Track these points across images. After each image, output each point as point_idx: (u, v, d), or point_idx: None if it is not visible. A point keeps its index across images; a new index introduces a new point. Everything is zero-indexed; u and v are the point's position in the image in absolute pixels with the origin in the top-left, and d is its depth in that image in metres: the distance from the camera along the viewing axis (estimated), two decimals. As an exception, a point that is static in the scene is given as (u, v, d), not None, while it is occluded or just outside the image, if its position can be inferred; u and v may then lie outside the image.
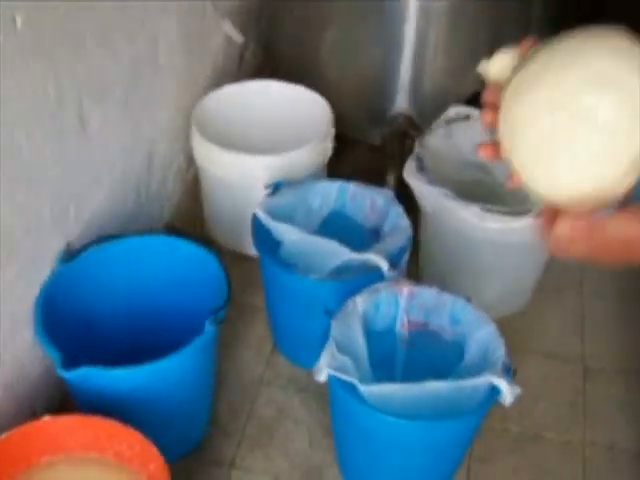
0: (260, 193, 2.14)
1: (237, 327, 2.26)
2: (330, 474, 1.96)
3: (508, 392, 1.65)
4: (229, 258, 2.37)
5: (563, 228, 1.01)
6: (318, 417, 2.07)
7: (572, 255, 1.05)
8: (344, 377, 1.65)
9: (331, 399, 1.84)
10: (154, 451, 1.58)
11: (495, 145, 1.08)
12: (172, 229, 2.01)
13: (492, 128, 1.08)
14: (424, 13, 2.46)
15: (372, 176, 2.37)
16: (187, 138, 2.45)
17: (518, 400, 1.66)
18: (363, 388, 1.65)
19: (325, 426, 2.03)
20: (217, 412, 2.06)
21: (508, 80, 1.05)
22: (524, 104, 1.01)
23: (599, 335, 2.32)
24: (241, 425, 2.05)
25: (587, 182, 0.99)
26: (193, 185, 2.58)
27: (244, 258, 2.29)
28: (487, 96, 1.11)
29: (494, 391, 1.66)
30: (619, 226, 1.01)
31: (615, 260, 1.07)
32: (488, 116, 1.09)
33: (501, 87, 1.06)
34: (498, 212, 2.06)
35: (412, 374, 1.78)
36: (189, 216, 2.55)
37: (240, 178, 2.29)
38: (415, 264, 2.35)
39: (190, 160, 2.52)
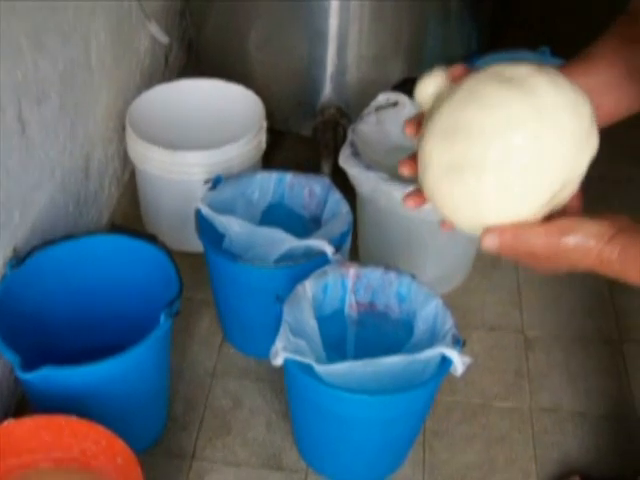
0: (198, 189, 2.17)
1: (185, 322, 2.29)
2: (290, 458, 2.00)
3: (459, 362, 1.70)
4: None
5: (488, 243, 1.03)
6: (273, 404, 2.11)
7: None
8: (300, 359, 1.69)
9: (287, 383, 1.88)
10: (120, 444, 1.60)
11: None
12: (116, 228, 2.03)
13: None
14: (346, 5, 2.52)
15: (307, 166, 2.42)
16: (121, 140, 2.48)
17: (465, 372, 1.72)
18: (319, 368, 1.69)
19: (281, 412, 2.08)
20: (174, 406, 2.09)
21: (428, 115, 1.07)
22: (438, 150, 1.03)
23: (536, 305, 2.41)
24: (198, 417, 2.08)
25: (503, 218, 1.02)
26: (130, 187, 2.60)
27: (185, 255, 2.31)
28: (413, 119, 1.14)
29: (445, 362, 1.72)
30: (540, 237, 1.02)
31: (542, 268, 1.09)
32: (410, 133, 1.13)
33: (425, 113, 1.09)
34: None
35: (363, 353, 1.82)
36: (128, 217, 2.57)
37: (178, 175, 2.31)
38: (355, 248, 2.40)
39: (125, 162, 2.54)
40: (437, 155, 1.02)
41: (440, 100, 1.05)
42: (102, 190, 2.46)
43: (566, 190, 1.03)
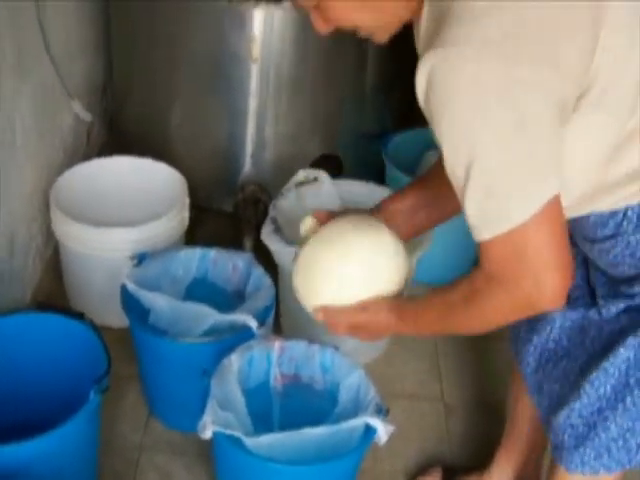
0: (123, 265, 2.21)
1: (112, 396, 2.27)
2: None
3: (382, 430, 1.76)
4: (96, 331, 2.42)
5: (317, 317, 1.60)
6: (201, 477, 2.13)
7: None
8: (229, 432, 1.73)
9: (215, 456, 1.91)
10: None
11: None
12: (42, 306, 2.05)
13: None
14: (265, 85, 2.59)
15: (229, 241, 2.48)
16: (44, 217, 2.50)
17: (389, 441, 1.77)
18: (248, 440, 1.72)
19: (209, 486, 2.10)
20: (102, 480, 2.10)
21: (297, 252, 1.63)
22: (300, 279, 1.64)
23: (454, 373, 2.48)
24: (127, 493, 2.09)
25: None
26: (52, 262, 2.62)
27: (111, 330, 2.32)
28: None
29: (369, 431, 1.77)
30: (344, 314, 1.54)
31: (363, 336, 1.58)
32: None
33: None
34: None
35: (289, 424, 1.85)
36: (52, 293, 2.59)
37: (102, 252, 2.34)
38: (277, 322, 2.46)
39: (48, 238, 2.56)
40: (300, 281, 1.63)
41: (307, 239, 1.60)
42: (25, 268, 2.48)
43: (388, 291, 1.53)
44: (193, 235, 2.59)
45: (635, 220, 1.38)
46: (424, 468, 2.18)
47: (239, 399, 1.86)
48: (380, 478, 2.17)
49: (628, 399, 1.48)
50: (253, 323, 2.03)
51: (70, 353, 1.99)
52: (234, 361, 1.89)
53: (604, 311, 1.52)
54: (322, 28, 1.35)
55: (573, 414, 1.54)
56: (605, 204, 1.38)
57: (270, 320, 2.14)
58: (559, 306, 1.28)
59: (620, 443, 1.51)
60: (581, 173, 1.33)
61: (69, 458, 1.83)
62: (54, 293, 2.59)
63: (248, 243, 2.60)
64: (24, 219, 2.41)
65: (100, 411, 1.91)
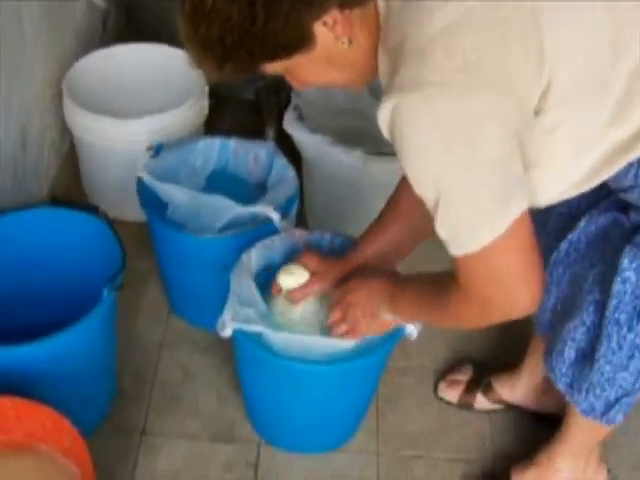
0: (139, 157, 2.11)
1: (130, 293, 2.23)
2: (242, 430, 1.97)
3: (412, 327, 1.68)
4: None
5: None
6: (224, 375, 2.08)
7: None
8: (250, 328, 1.65)
9: (237, 353, 1.84)
10: (67, 425, 1.56)
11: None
12: (57, 200, 1.97)
13: None
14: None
15: (251, 131, 2.38)
16: (58, 109, 2.40)
17: (418, 337, 1.70)
18: (269, 337, 1.65)
19: (232, 384, 2.04)
20: (122, 380, 2.05)
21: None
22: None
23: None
24: (147, 390, 2.04)
25: None
26: (69, 157, 2.53)
27: (129, 224, 2.25)
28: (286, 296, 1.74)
29: (400, 329, 1.69)
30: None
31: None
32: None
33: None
34: (380, 154, 2.08)
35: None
36: (69, 188, 2.50)
37: (118, 143, 2.25)
38: (302, 214, 2.38)
39: (64, 132, 2.46)
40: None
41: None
42: (41, 161, 2.39)
43: None
44: (213, 125, 2.48)
45: None
46: (453, 365, 2.12)
47: (257, 295, 1.78)
48: (408, 375, 2.11)
49: None
50: (275, 215, 1.94)
51: (85, 249, 1.92)
52: (254, 256, 1.81)
53: (633, 215, 1.46)
54: (299, 87, 1.41)
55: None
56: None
57: (293, 212, 2.05)
58: (531, 313, 1.35)
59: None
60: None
61: (84, 359, 1.77)
62: (72, 188, 2.51)
63: (270, 132, 2.50)
64: (37, 111, 2.31)
65: (117, 308, 1.84)
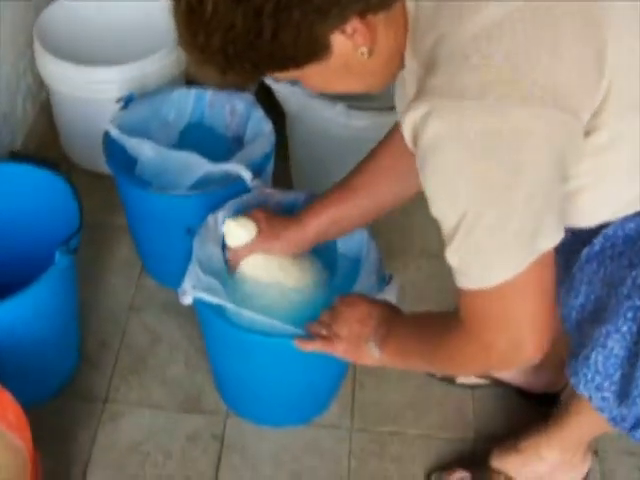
0: (110, 109, 1.98)
1: (102, 250, 2.14)
2: (209, 399, 1.87)
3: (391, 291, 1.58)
4: (88, 179, 2.24)
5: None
6: (194, 340, 1.97)
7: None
8: (211, 299, 1.54)
9: (200, 322, 1.74)
10: (9, 399, 1.46)
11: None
12: (17, 155, 1.85)
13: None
14: None
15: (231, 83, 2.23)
16: (32, 58, 2.27)
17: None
18: (231, 309, 1.54)
19: (202, 349, 1.93)
20: (86, 344, 1.95)
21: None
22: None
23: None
24: (113, 356, 1.94)
25: None
26: (48, 105, 2.40)
27: (104, 177, 2.13)
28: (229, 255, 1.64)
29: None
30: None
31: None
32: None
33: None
34: (364, 109, 1.96)
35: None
36: (45, 137, 2.39)
37: (88, 93, 2.13)
38: (287, 171, 2.26)
39: (42, 81, 2.33)
40: None
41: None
42: (13, 110, 2.27)
43: None
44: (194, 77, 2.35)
45: None
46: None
47: (223, 262, 1.66)
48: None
49: None
50: (246, 174, 1.82)
51: (45, 208, 1.81)
52: (220, 219, 1.69)
53: None
54: (313, 92, 1.32)
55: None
56: None
57: (269, 170, 1.93)
58: (534, 363, 1.23)
59: None
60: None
61: (39, 324, 1.68)
62: (47, 138, 2.40)
63: (250, 85, 2.35)
64: (7, 57, 2.19)
65: (76, 270, 1.74)
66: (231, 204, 1.71)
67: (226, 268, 1.64)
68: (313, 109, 2.01)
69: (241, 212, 1.67)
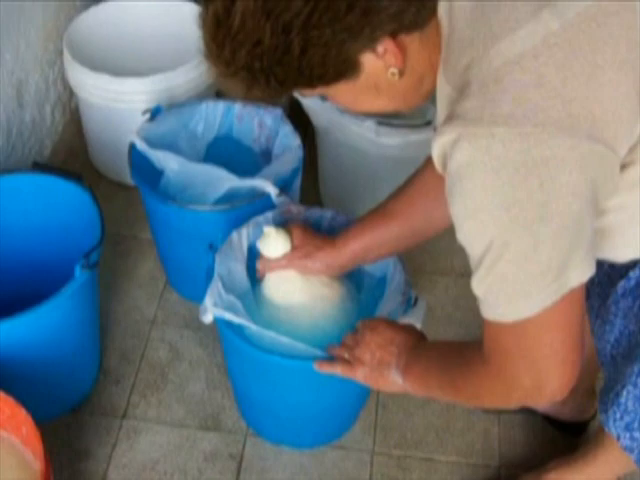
0: (140, 119, 1.96)
1: (127, 262, 2.11)
2: (229, 418, 1.84)
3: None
4: (116, 190, 2.23)
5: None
6: (215, 357, 1.94)
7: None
8: (232, 318, 1.51)
9: (221, 340, 1.71)
10: (24, 414, 1.44)
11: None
12: (41, 166, 1.83)
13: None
14: None
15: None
16: (62, 66, 2.25)
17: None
18: (254, 329, 1.51)
19: (223, 366, 1.91)
20: (107, 358, 1.93)
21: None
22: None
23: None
24: (133, 370, 1.92)
25: None
26: (77, 114, 2.38)
27: (132, 189, 2.11)
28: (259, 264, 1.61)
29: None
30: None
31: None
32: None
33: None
34: (393, 125, 1.92)
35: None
36: (74, 148, 2.38)
37: (117, 103, 2.11)
38: (316, 191, 2.25)
39: (72, 90, 2.32)
40: None
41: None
42: (42, 120, 2.25)
43: None
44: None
45: None
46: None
47: (247, 279, 1.63)
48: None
49: None
50: (272, 189, 1.79)
51: (67, 220, 1.79)
52: (244, 235, 1.66)
53: None
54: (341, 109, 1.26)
55: None
56: None
57: (296, 185, 1.90)
58: (559, 400, 1.16)
59: None
60: None
61: (59, 337, 1.66)
62: (76, 148, 2.38)
63: (282, 100, 2.33)
64: (36, 66, 2.17)
65: (97, 283, 1.73)
66: (255, 221, 1.68)
67: (250, 282, 1.61)
68: (342, 125, 1.98)
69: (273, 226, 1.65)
